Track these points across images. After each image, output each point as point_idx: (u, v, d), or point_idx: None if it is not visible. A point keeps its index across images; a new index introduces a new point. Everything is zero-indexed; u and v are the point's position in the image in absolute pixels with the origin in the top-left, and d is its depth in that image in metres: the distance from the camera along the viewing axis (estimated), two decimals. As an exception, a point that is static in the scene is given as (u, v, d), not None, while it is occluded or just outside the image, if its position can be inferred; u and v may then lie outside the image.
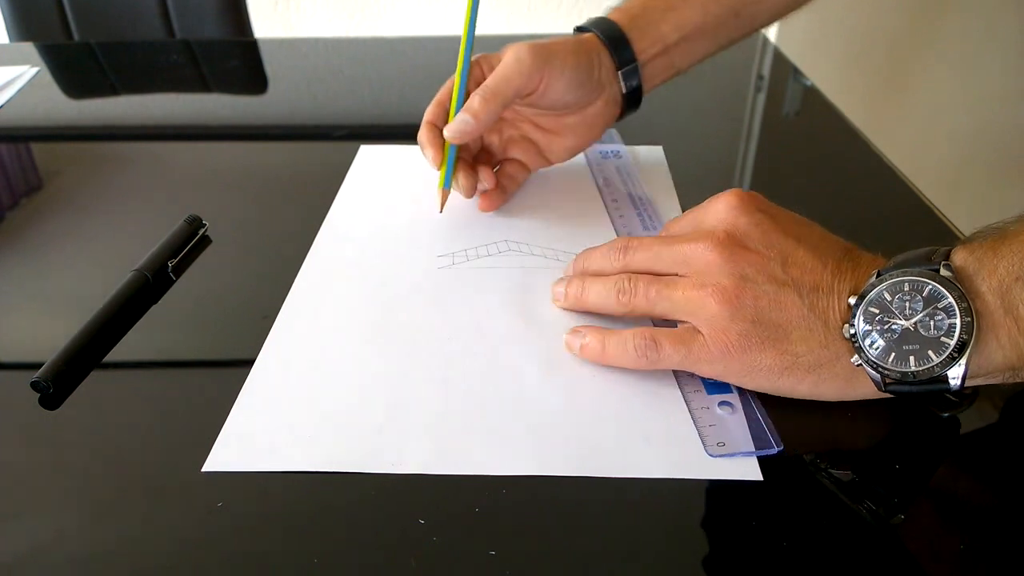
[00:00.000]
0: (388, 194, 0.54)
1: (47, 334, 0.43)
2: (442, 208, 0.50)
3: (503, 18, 1.42)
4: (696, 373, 0.36)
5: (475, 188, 0.50)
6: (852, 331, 0.33)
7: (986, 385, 0.33)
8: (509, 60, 0.48)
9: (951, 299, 0.31)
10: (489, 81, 0.47)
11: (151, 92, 0.78)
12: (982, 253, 0.32)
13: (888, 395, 0.34)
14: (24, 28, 1.07)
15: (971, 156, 1.45)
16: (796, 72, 0.76)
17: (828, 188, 0.54)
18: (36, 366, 0.38)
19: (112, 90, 0.81)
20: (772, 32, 1.15)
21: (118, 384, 0.40)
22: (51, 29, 1.07)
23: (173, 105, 0.74)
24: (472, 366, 0.38)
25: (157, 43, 0.99)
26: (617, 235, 0.49)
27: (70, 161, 0.63)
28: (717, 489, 0.32)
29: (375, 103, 0.74)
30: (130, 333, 0.42)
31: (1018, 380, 0.33)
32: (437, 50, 0.85)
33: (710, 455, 0.33)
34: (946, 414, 0.35)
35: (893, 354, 0.32)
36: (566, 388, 0.37)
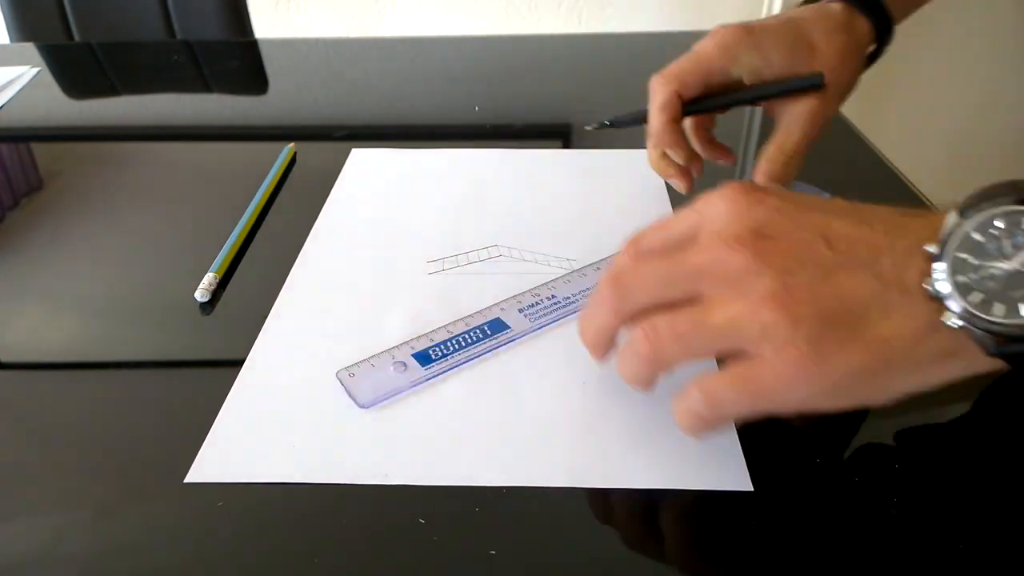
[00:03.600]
0: (379, 198, 0.54)
1: (47, 334, 0.43)
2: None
3: (503, 18, 1.41)
4: (776, 411, 0.28)
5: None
6: (938, 286, 0.26)
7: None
8: (815, 107, 0.45)
9: None
10: (789, 145, 0.46)
11: (151, 92, 0.78)
12: None
13: (1001, 364, 0.27)
14: (24, 28, 1.07)
15: (971, 156, 1.45)
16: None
17: (828, 188, 0.54)
18: (36, 366, 0.38)
19: (112, 90, 0.81)
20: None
21: (110, 384, 0.40)
22: (51, 29, 1.07)
23: (173, 105, 0.74)
24: (460, 375, 0.38)
25: (157, 43, 0.99)
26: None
27: (70, 161, 0.63)
28: (706, 499, 0.32)
29: (375, 104, 0.74)
30: (128, 332, 0.42)
31: None
32: (437, 51, 0.85)
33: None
34: None
35: (999, 304, 0.26)
36: (554, 398, 0.37)
